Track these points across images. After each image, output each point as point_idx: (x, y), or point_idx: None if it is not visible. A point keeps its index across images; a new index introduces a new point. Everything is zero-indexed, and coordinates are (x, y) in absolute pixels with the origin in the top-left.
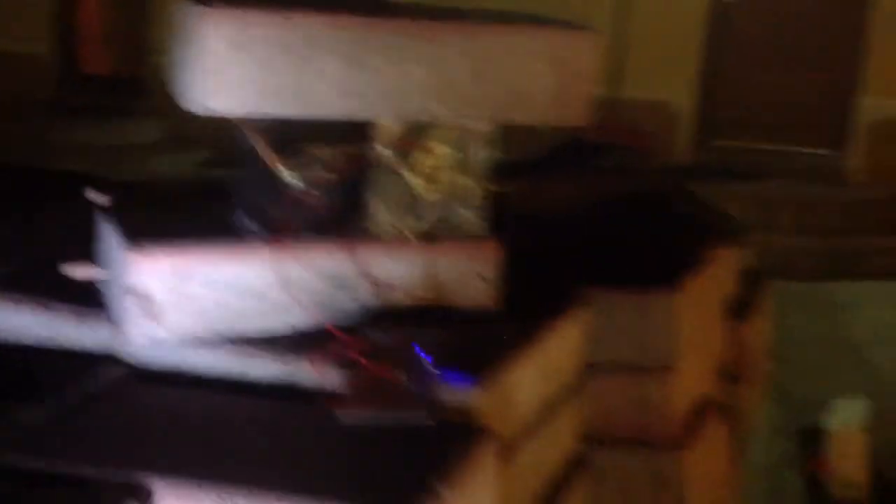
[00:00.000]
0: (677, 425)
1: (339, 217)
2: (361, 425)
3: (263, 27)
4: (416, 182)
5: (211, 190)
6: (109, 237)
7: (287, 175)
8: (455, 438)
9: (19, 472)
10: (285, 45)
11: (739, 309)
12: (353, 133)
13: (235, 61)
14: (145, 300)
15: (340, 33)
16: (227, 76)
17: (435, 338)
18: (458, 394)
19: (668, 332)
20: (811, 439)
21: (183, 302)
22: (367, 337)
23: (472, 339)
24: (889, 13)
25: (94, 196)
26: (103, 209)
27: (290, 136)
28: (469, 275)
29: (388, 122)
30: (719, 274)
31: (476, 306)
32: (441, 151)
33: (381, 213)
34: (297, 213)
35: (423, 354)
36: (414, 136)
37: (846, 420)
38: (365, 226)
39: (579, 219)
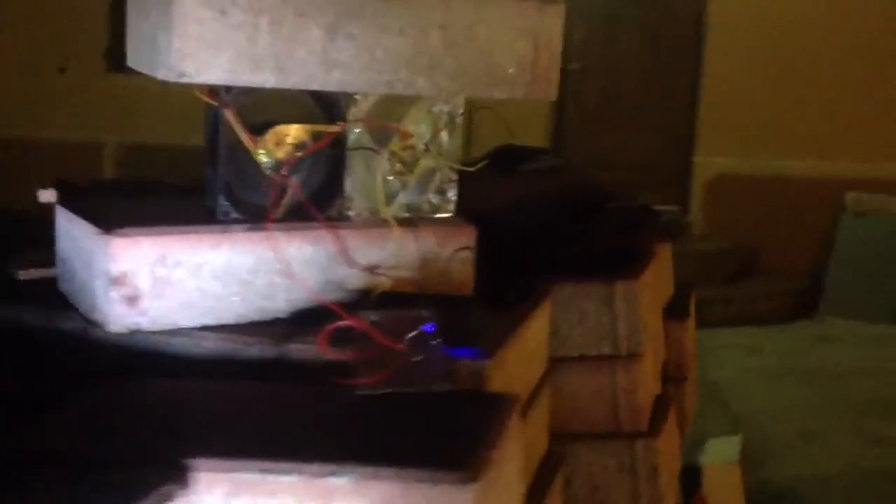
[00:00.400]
0: (645, 414)
1: (315, 200)
2: (380, 398)
3: None
4: (391, 165)
5: (173, 185)
6: (77, 230)
7: (261, 155)
8: (482, 405)
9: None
10: (267, 10)
11: (676, 309)
12: (326, 112)
13: (214, 24)
14: (127, 288)
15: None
16: (205, 40)
17: (426, 316)
18: (471, 366)
19: (634, 320)
20: (691, 477)
21: (166, 290)
22: (361, 316)
23: (462, 320)
24: (716, 78)
25: (46, 196)
26: (66, 203)
27: (262, 114)
28: (446, 259)
29: (364, 99)
30: (660, 270)
31: (452, 291)
32: (415, 134)
33: (357, 196)
34: (274, 195)
35: (429, 329)
36: (388, 117)
37: (720, 456)
38: (341, 209)
39: (519, 216)
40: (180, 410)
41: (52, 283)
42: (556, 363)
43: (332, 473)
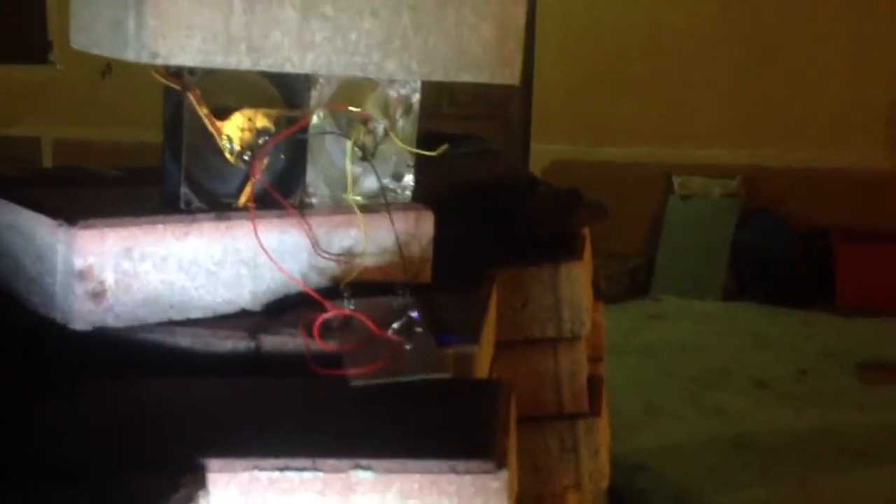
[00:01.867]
0: (585, 394)
1: (278, 187)
2: (376, 389)
3: None
4: (352, 151)
5: (104, 173)
6: (28, 222)
7: (225, 141)
8: (480, 392)
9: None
10: None
11: (596, 290)
12: (287, 97)
13: (189, 3)
14: (93, 283)
15: None
16: (179, 20)
17: (406, 304)
18: (458, 352)
19: (577, 302)
20: None
21: (132, 284)
22: (337, 305)
23: (432, 307)
24: (548, 70)
25: None
26: (3, 194)
27: (221, 99)
28: (407, 246)
29: (327, 83)
30: (588, 252)
31: (413, 279)
32: (375, 119)
33: (319, 183)
34: (239, 183)
35: (416, 316)
36: (349, 102)
37: None
38: (303, 196)
39: (449, 202)
40: (177, 409)
41: None
42: (500, 346)
43: (354, 468)
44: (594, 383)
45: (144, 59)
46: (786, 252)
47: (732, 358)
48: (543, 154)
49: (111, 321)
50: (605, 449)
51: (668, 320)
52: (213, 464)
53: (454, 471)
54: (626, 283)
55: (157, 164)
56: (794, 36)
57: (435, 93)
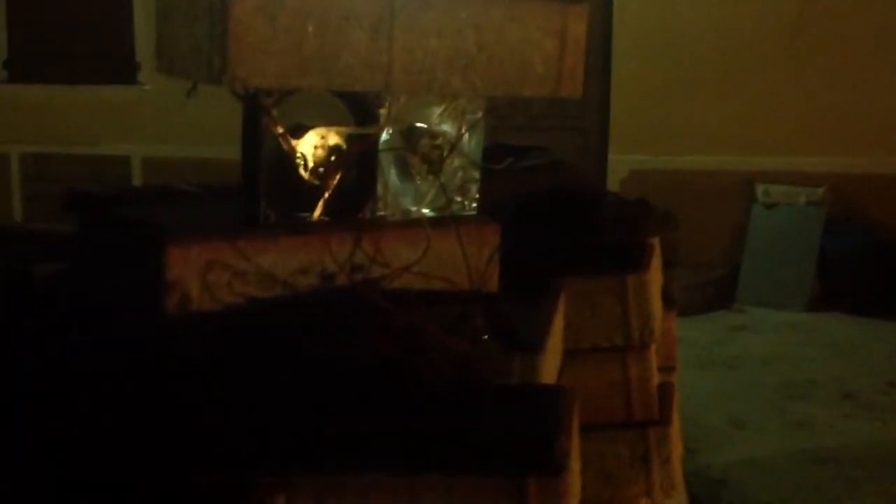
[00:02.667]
0: (655, 402)
1: (349, 201)
2: (443, 394)
3: None
4: (420, 165)
5: (185, 189)
6: (120, 238)
7: (299, 158)
8: (544, 398)
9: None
10: (313, 14)
11: (664, 299)
12: (356, 114)
13: (266, 29)
14: (179, 295)
15: (366, 3)
16: (257, 45)
17: (472, 313)
18: (524, 359)
19: (645, 311)
20: None
21: (214, 295)
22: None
23: (498, 315)
24: (625, 84)
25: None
26: (98, 212)
27: (295, 117)
28: (473, 257)
29: (395, 100)
30: (658, 262)
31: (480, 288)
32: (442, 134)
33: (388, 196)
34: (313, 198)
35: (482, 325)
36: (415, 117)
37: None
38: (374, 210)
39: (516, 213)
40: (253, 415)
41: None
42: (569, 355)
43: (422, 472)
44: (665, 392)
45: (226, 84)
46: (872, 261)
47: (818, 369)
48: (622, 164)
49: (197, 328)
50: (676, 458)
51: (752, 331)
52: (288, 468)
53: (517, 474)
54: (711, 293)
55: (237, 181)
56: (878, 41)
57: (509, 105)
